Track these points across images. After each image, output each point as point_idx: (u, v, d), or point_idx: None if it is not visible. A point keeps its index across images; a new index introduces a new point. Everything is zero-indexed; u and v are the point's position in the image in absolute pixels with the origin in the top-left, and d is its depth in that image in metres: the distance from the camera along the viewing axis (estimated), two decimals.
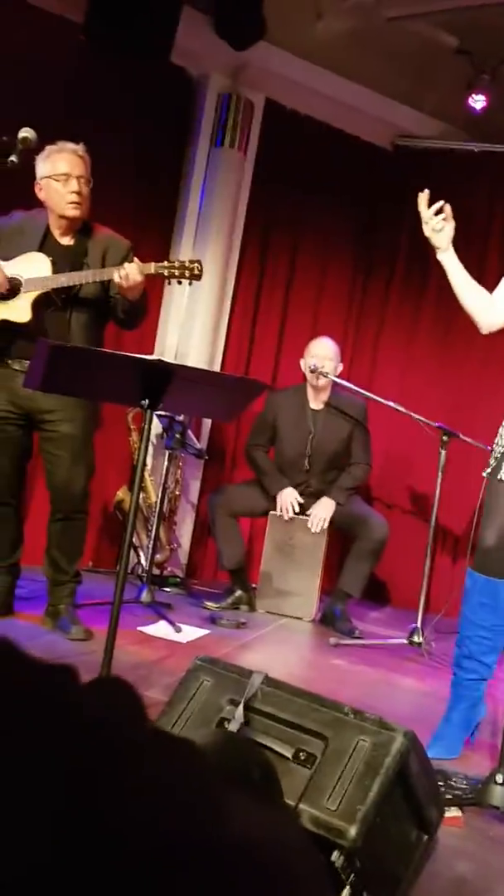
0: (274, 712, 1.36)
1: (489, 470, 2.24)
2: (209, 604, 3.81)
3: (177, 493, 4.35)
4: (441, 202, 2.26)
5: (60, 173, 2.78)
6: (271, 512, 3.94)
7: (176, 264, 2.61)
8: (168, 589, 4.07)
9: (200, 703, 1.45)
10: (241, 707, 1.37)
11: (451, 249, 2.28)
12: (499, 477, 2.18)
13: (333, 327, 4.92)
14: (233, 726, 1.38)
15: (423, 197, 2.27)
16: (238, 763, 1.14)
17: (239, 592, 3.91)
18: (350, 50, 4.67)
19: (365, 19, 4.54)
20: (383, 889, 1.31)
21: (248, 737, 1.34)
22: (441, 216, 2.25)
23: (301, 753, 1.29)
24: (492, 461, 2.24)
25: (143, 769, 0.44)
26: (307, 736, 1.31)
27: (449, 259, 2.29)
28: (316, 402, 4.03)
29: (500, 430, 2.26)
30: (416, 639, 3.46)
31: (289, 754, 1.29)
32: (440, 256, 2.30)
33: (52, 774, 0.40)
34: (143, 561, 4.04)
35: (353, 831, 1.21)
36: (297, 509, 3.89)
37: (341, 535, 4.29)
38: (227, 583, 4.01)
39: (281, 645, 3.42)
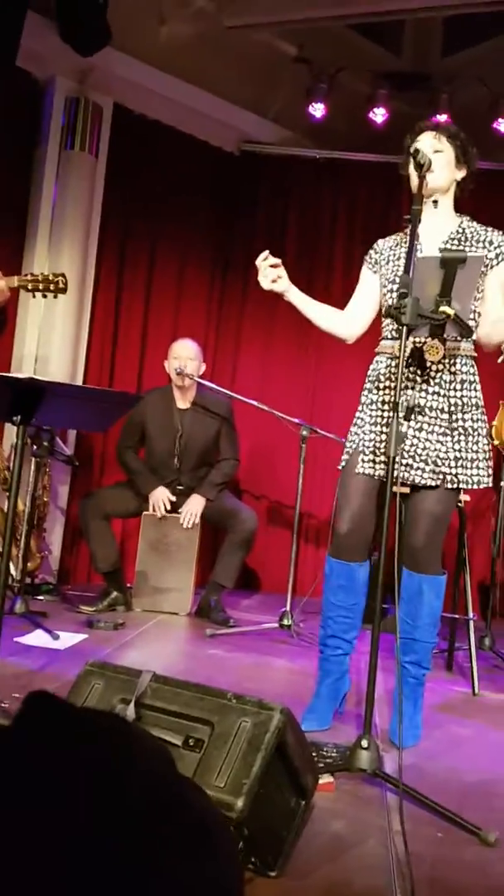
0: (163, 706, 1.49)
1: (343, 464, 2.45)
2: (85, 608, 3.85)
3: (45, 499, 4.33)
4: (266, 252, 2.30)
5: None
6: (144, 512, 4.02)
7: (40, 277, 2.64)
8: (41, 597, 4.07)
9: (93, 705, 1.55)
10: (132, 705, 1.48)
11: (293, 287, 2.36)
12: (356, 470, 2.39)
13: (195, 328, 5.04)
14: None
15: (263, 256, 2.30)
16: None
17: (115, 594, 3.97)
18: (194, 56, 4.76)
19: (207, 26, 4.66)
20: (269, 852, 1.47)
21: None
22: (273, 268, 2.28)
23: (190, 740, 1.42)
24: (345, 456, 2.45)
25: (138, 761, 0.83)
26: (195, 724, 1.44)
27: (295, 296, 2.38)
28: (182, 402, 4.14)
29: (352, 427, 2.47)
30: (285, 622, 3.67)
31: (179, 742, 1.42)
32: (288, 299, 2.37)
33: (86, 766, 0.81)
34: (13, 571, 4.01)
35: (239, 804, 1.36)
36: (169, 507, 3.99)
37: (213, 528, 4.44)
38: (103, 585, 4.06)
39: (159, 641, 3.52)
